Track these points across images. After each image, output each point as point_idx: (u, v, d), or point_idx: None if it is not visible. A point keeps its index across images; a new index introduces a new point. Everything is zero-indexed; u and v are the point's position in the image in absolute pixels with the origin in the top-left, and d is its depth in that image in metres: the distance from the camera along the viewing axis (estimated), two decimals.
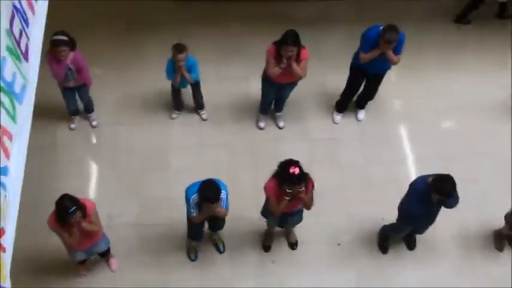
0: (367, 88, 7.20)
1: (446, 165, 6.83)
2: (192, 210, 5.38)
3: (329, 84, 7.78)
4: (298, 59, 6.20)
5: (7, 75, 3.34)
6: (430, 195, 5.34)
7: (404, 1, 8.62)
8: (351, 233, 6.70)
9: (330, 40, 8.26)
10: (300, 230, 6.48)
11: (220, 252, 6.48)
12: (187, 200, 5.34)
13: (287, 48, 6.00)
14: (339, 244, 6.63)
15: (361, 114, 7.55)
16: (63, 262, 6.12)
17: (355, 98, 7.45)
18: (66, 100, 6.97)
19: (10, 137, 3.33)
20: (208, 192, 5.11)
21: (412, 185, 5.63)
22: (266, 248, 6.51)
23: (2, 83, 3.28)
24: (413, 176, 6.91)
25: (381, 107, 7.69)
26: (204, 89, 7.16)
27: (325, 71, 7.77)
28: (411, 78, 7.94)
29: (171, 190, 6.74)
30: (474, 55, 8.26)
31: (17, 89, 3.47)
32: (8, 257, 3.09)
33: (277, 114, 7.40)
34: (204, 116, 7.45)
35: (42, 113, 7.15)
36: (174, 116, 7.44)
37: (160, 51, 6.88)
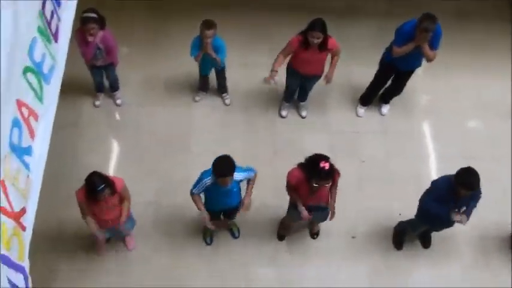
0: (395, 83, 7.14)
1: (468, 164, 6.75)
2: (195, 189, 5.34)
3: (354, 78, 7.73)
4: (325, 48, 6.21)
5: (37, 55, 3.40)
6: (451, 195, 5.30)
7: None
8: (367, 226, 6.69)
9: (357, 33, 8.19)
10: None
11: (235, 237, 6.53)
12: (200, 179, 5.29)
13: (314, 33, 5.99)
14: (353, 237, 6.63)
15: (385, 108, 7.50)
16: (83, 239, 6.25)
17: (380, 92, 7.38)
18: (93, 77, 7.03)
19: (36, 117, 3.39)
20: (220, 165, 5.03)
21: (434, 183, 5.60)
22: (281, 237, 6.55)
23: (31, 63, 3.33)
24: (434, 174, 6.98)
25: (406, 102, 7.62)
26: (228, 74, 7.17)
27: (351, 64, 7.67)
28: (438, 75, 7.82)
29: (190, 173, 6.73)
30: (506, 56, 8.10)
31: (45, 69, 3.52)
32: (28, 235, 3.16)
33: (301, 104, 7.38)
34: (227, 101, 7.47)
35: (67, 88, 7.08)
36: (197, 98, 7.46)
37: (188, 33, 6.85)
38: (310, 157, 5.15)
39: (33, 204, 3.27)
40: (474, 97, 7.75)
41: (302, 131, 7.35)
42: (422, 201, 5.80)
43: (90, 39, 6.18)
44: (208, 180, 5.22)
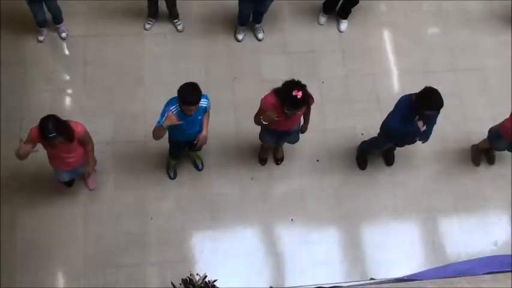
0: None
1: (429, 79, 6.72)
2: (160, 120, 5.08)
3: None
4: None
5: None
6: (414, 113, 5.28)
7: None
8: (330, 148, 6.67)
9: None
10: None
11: (199, 170, 6.43)
12: (165, 110, 5.09)
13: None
14: (317, 160, 6.61)
15: (344, 25, 7.28)
16: (44, 182, 6.13)
17: (338, 6, 7.14)
18: (33, 11, 6.52)
19: None
20: (188, 92, 4.85)
21: (397, 102, 5.54)
22: (262, 160, 6.50)
23: None
24: (395, 90, 6.95)
25: (364, 16, 7.39)
26: None
27: None
28: None
29: (145, 105, 6.60)
30: None
31: None
32: None
33: (256, 25, 7.09)
34: (179, 27, 7.11)
35: (7, 25, 6.81)
36: (147, 26, 7.09)
37: None
38: (284, 83, 5.01)
39: None
40: (434, 7, 7.56)
41: (259, 53, 7.09)
42: (386, 121, 5.75)
43: None
44: (174, 109, 5.04)
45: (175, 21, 7.06)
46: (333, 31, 7.31)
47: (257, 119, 5.42)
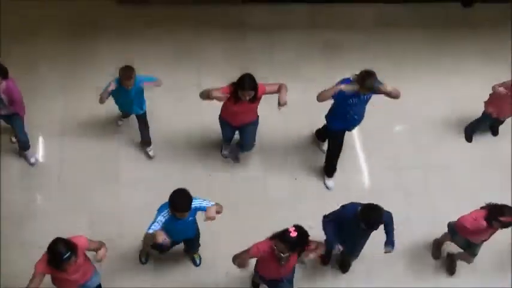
0: None
1: (398, 175, 7.05)
2: (153, 226, 5.03)
3: None
4: (256, 98, 6.03)
5: None
6: (354, 227, 5.38)
7: (354, 7, 8.56)
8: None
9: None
10: None
11: (197, 265, 6.42)
12: (156, 216, 5.09)
13: (245, 92, 5.85)
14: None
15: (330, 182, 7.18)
16: None
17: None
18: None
19: None
20: (178, 200, 4.92)
21: (342, 210, 5.58)
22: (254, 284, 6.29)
23: None
24: (363, 185, 7.12)
25: None
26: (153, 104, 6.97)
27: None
28: None
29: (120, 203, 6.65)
30: (428, 66, 8.22)
31: None
32: None
33: (244, 152, 7.14)
34: (151, 153, 7.10)
35: None
36: (120, 122, 7.25)
37: (109, 56, 6.62)
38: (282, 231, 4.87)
39: None
40: (402, 109, 7.65)
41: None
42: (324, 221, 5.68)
43: None
44: (165, 214, 5.06)
45: (146, 148, 7.08)
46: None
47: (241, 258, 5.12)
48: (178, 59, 7.87)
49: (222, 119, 6.50)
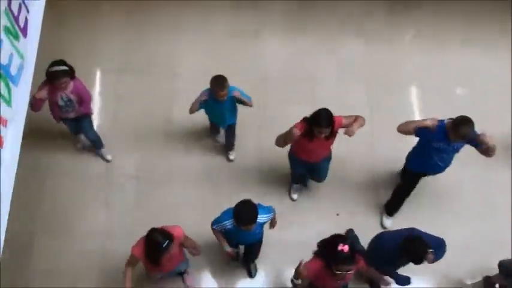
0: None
1: None
2: (215, 225, 5.04)
3: None
4: (332, 135, 5.48)
5: (3, 58, 3.20)
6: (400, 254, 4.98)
7: None
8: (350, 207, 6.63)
9: None
10: None
11: (252, 277, 6.21)
12: (221, 219, 5.02)
13: (321, 130, 5.25)
14: (337, 214, 6.58)
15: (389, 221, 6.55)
16: None
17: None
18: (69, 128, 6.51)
19: (5, 123, 3.21)
20: (243, 214, 4.75)
21: (379, 243, 5.28)
22: None
23: None
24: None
25: (392, 73, 7.47)
26: None
27: None
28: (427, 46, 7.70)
29: None
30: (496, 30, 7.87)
31: (13, 71, 3.33)
32: None
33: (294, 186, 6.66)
34: (231, 157, 6.87)
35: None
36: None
37: None
38: (324, 241, 4.72)
39: (3, 220, 3.12)
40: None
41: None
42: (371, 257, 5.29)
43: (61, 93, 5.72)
44: (228, 224, 4.97)
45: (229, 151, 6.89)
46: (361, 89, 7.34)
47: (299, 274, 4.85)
48: None
49: (294, 155, 5.90)
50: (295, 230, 6.31)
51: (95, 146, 6.66)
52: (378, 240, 5.33)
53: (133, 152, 6.79)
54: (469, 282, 6.27)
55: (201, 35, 7.59)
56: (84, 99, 5.89)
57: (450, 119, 5.29)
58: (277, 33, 7.73)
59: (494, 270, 5.95)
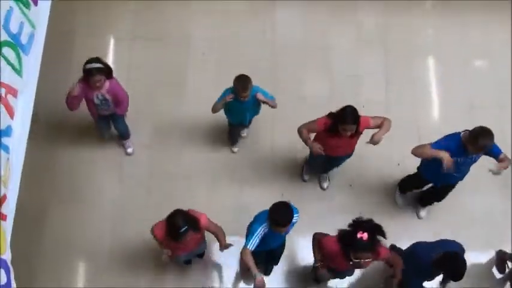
0: (434, 193, 6.16)
1: (471, 112, 6.77)
2: (250, 244, 4.77)
3: None
4: (357, 133, 5.37)
5: (13, 27, 3.16)
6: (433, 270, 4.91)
7: None
8: (364, 174, 6.61)
9: None
10: None
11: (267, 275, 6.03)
12: (254, 230, 4.80)
13: (346, 127, 5.13)
14: (350, 185, 6.56)
15: (423, 212, 6.47)
16: None
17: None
18: (98, 125, 6.36)
19: (15, 93, 3.19)
20: (280, 214, 4.62)
21: (413, 256, 5.14)
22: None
23: (7, 36, 3.09)
24: (434, 122, 6.83)
25: (409, 43, 7.34)
26: None
27: None
28: (447, 15, 7.50)
29: None
30: None
31: (23, 40, 3.29)
32: (9, 225, 3.03)
33: (323, 175, 6.54)
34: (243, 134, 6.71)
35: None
36: (235, 149, 6.69)
37: None
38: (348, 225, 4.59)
39: (14, 188, 3.12)
40: (481, 41, 7.41)
41: None
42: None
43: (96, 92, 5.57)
44: (266, 228, 4.77)
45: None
46: (377, 57, 7.24)
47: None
48: None
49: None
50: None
51: (121, 137, 6.51)
52: (412, 252, 5.17)
53: (146, 121, 6.76)
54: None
55: (216, 3, 7.46)
56: (120, 99, 5.71)
57: (465, 131, 5.08)
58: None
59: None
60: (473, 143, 4.94)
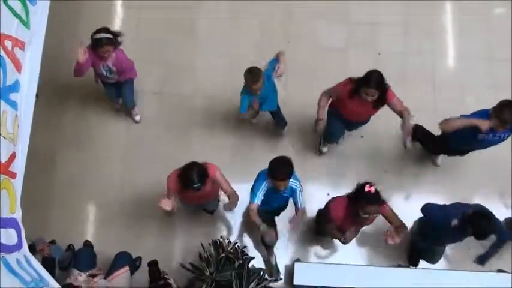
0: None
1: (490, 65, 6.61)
2: (256, 198, 4.83)
3: None
4: (380, 104, 5.21)
5: None
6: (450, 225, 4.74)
7: None
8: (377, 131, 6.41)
9: None
10: None
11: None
12: (259, 183, 4.84)
13: (368, 91, 4.96)
14: (362, 136, 6.46)
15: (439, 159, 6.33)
16: None
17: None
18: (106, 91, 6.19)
19: (22, 46, 3.07)
20: (278, 167, 4.64)
21: (428, 216, 4.99)
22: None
23: None
24: (452, 73, 6.69)
25: None
26: None
27: None
28: None
29: None
30: None
31: None
32: (19, 182, 2.96)
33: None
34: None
35: None
36: (254, 121, 6.42)
37: None
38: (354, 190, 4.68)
39: (24, 146, 3.04)
40: None
41: None
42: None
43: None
44: (268, 183, 4.80)
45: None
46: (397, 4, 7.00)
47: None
48: None
49: (335, 109, 5.51)
50: None
51: (126, 105, 6.35)
52: (440, 211, 4.94)
53: (155, 68, 6.69)
54: None
55: None
56: (125, 69, 5.66)
57: (494, 107, 4.85)
58: None
59: None
60: (498, 116, 4.76)
